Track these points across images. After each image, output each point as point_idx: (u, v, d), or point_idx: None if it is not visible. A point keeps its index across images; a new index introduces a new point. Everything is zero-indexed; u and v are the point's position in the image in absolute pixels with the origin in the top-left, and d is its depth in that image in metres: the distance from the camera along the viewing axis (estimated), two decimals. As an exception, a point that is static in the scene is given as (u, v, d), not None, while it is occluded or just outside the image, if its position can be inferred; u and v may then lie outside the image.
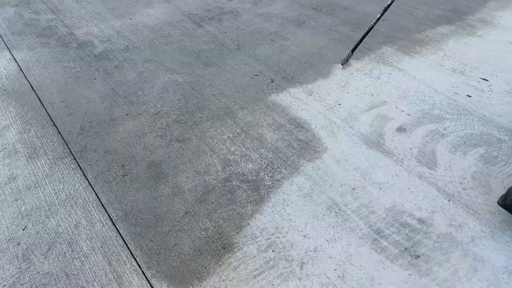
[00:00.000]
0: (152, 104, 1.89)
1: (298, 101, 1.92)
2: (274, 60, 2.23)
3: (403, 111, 1.85)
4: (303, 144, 1.67)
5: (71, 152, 1.62)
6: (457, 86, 2.01)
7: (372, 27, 2.02)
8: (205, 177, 1.52)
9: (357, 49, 2.25)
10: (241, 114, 1.84)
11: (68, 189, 1.46)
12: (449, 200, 1.42)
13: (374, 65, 2.17)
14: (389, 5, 1.99)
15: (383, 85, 2.02)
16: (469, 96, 1.94)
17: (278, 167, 1.56)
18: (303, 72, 2.12)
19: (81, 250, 1.26)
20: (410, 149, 1.65)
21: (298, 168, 1.56)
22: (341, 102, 1.91)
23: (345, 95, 1.96)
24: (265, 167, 1.56)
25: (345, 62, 2.07)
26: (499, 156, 1.61)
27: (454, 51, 2.29)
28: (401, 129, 1.75)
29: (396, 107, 1.88)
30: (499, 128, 1.75)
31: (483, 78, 2.07)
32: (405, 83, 2.04)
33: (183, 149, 1.65)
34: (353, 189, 1.47)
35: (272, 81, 2.06)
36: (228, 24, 2.59)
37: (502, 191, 1.45)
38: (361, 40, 2.05)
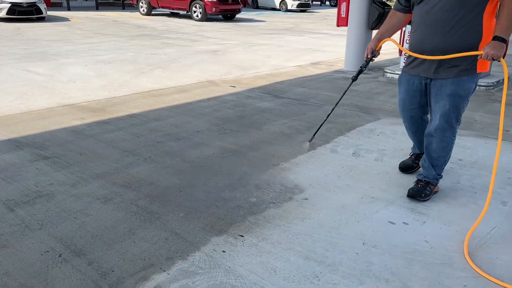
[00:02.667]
0: None
1: (77, 272, 2.22)
2: (70, 236, 2.56)
3: (162, 270, 2.24)
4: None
5: None
6: (217, 244, 2.50)
7: (330, 113, 3.32)
8: None
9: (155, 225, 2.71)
10: (16, 291, 2.06)
11: None
12: None
13: (158, 233, 2.61)
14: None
15: (157, 250, 2.43)
16: (224, 251, 2.43)
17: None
18: (91, 245, 2.47)
19: None
20: (157, 304, 1.99)
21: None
22: (114, 269, 2.25)
23: (121, 262, 2.31)
24: None
25: (311, 140, 3.43)
26: (227, 300, 2.02)
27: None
28: None
29: (160, 268, 2.26)
30: (234, 277, 2.20)
31: (240, 234, 2.60)
32: (176, 245, 2.47)
33: None
34: None
35: (60, 256, 2.35)
36: (40, 206, 2.92)
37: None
38: (321, 125, 3.39)
